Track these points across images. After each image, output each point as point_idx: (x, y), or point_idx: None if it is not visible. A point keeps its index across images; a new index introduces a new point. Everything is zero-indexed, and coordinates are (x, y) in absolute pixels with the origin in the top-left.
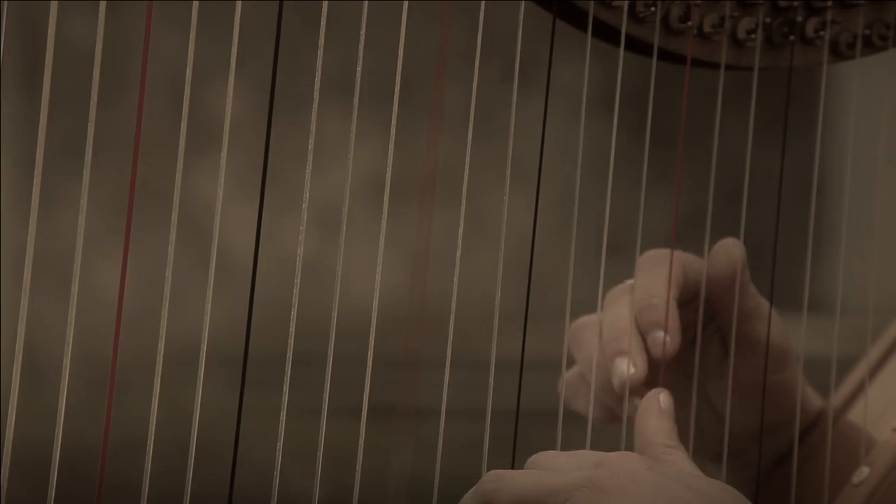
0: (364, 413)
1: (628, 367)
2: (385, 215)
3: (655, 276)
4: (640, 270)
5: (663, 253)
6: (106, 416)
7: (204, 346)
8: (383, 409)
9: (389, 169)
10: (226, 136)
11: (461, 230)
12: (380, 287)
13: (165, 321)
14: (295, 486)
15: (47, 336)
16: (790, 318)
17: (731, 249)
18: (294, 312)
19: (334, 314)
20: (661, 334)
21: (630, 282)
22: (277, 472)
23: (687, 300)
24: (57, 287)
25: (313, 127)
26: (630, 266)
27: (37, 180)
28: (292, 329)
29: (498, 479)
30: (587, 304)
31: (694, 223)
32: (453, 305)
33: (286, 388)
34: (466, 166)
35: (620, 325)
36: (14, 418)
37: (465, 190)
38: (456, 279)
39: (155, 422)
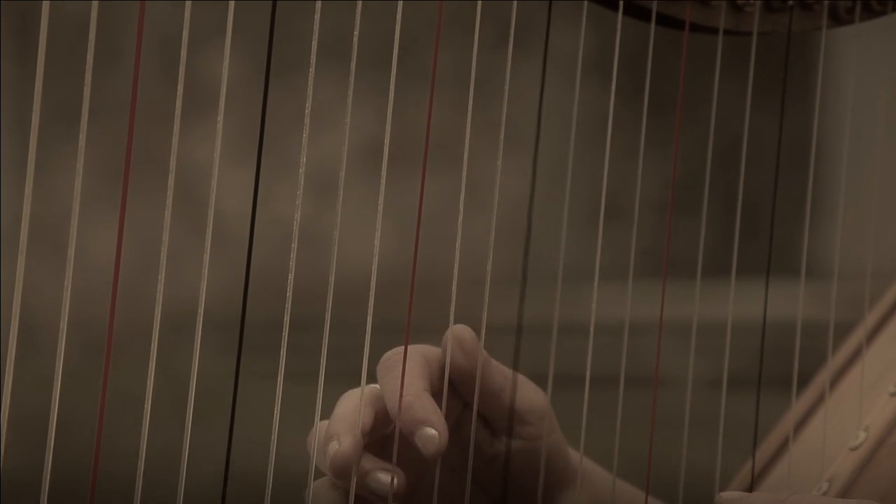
0: (364, 377)
1: (335, 445)
2: (383, 181)
3: (400, 376)
4: (381, 375)
5: (399, 352)
6: (103, 380)
7: (201, 311)
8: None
9: (388, 135)
10: (222, 101)
11: (462, 195)
12: (375, 252)
13: (162, 286)
14: (291, 450)
15: (40, 300)
16: (787, 284)
17: (463, 340)
18: (291, 277)
19: (331, 278)
20: (430, 430)
21: (356, 390)
22: (275, 437)
23: (437, 391)
24: (50, 252)
25: (310, 91)
26: (623, 232)
27: (32, 145)
28: (289, 294)
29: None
30: (578, 269)
31: (687, 189)
32: (455, 271)
33: (283, 352)
34: (467, 132)
35: (335, 421)
36: (11, 383)
37: (466, 156)
38: (458, 245)
39: (152, 386)
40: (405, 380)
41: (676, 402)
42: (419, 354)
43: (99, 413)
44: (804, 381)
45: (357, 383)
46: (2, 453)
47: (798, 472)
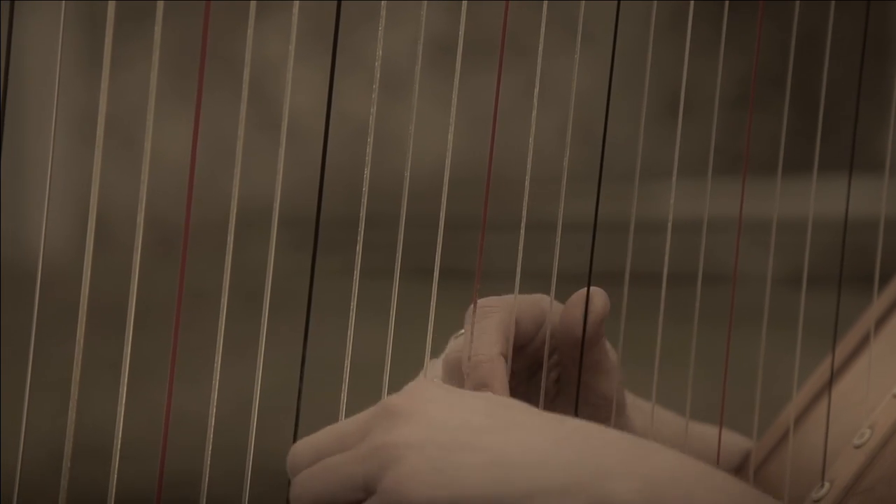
0: (436, 273)
1: None
2: (457, 77)
3: (484, 330)
4: (469, 323)
5: (495, 302)
6: (180, 275)
7: (276, 207)
8: (448, 270)
9: (462, 28)
10: None
11: (536, 90)
12: (441, 149)
13: (238, 180)
14: (365, 339)
15: (111, 196)
16: (866, 181)
17: (596, 306)
18: (367, 172)
19: (406, 173)
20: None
21: (461, 333)
22: (351, 331)
23: (521, 346)
24: (120, 147)
25: None
26: (690, 128)
27: (108, 39)
28: (365, 188)
29: (292, 450)
30: (645, 165)
31: (762, 83)
32: (529, 166)
33: (359, 247)
34: (543, 25)
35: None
36: (89, 278)
37: (541, 49)
38: (531, 140)
39: (228, 280)
40: (484, 338)
41: (752, 299)
42: (506, 311)
43: (176, 307)
44: (884, 280)
45: (427, 279)
46: (81, 344)
47: (879, 369)
